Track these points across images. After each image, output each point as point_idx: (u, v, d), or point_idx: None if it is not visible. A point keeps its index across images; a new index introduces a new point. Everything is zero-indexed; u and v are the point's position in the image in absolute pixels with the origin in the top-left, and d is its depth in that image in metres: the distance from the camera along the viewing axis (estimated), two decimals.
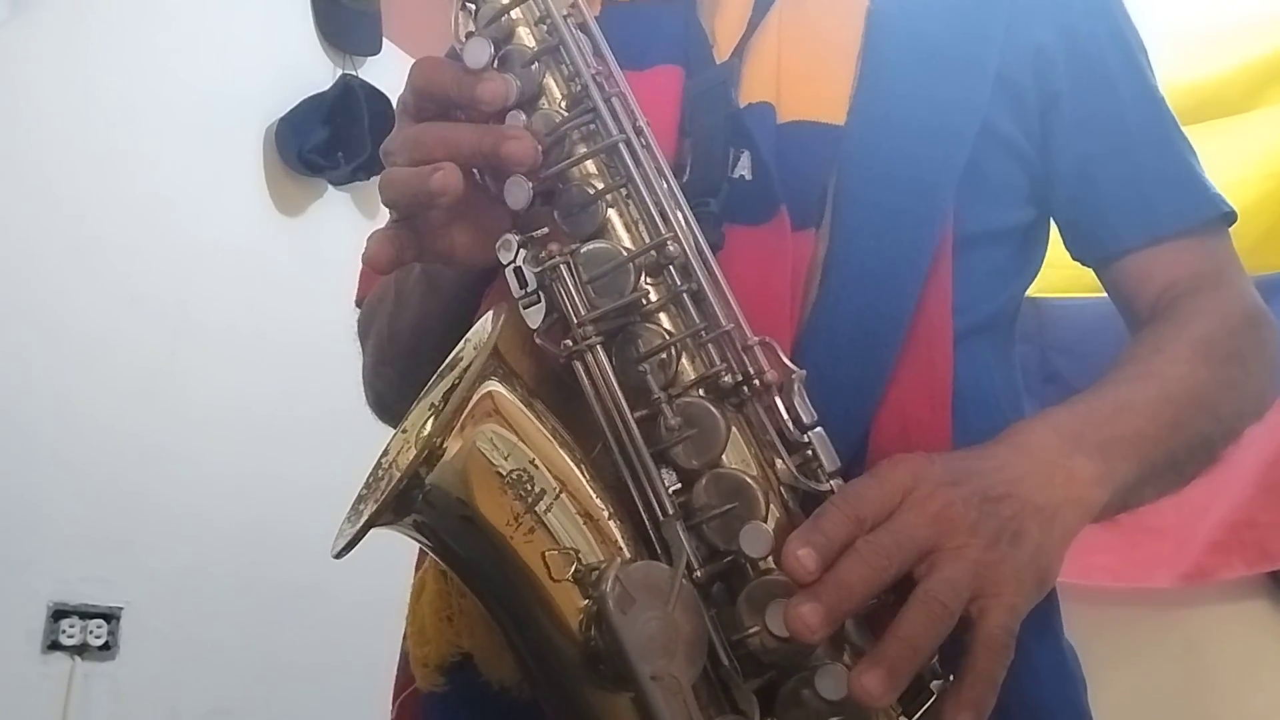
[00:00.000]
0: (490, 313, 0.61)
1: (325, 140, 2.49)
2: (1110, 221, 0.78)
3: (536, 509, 0.54)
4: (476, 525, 0.54)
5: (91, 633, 1.93)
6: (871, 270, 0.67)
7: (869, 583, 0.53)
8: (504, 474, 0.54)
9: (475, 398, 0.54)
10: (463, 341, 0.62)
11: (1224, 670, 1.90)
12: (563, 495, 0.55)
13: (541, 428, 0.57)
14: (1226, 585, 1.88)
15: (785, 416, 0.59)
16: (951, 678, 0.55)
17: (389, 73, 2.64)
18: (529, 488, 0.54)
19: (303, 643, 2.23)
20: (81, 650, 1.92)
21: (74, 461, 1.96)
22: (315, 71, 2.57)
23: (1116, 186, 0.78)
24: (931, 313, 0.67)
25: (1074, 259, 0.82)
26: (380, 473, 0.58)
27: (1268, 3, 1.96)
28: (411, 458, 0.52)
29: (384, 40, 2.71)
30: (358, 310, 0.89)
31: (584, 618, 0.53)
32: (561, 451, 0.56)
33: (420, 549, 0.72)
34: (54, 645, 1.89)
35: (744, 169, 0.69)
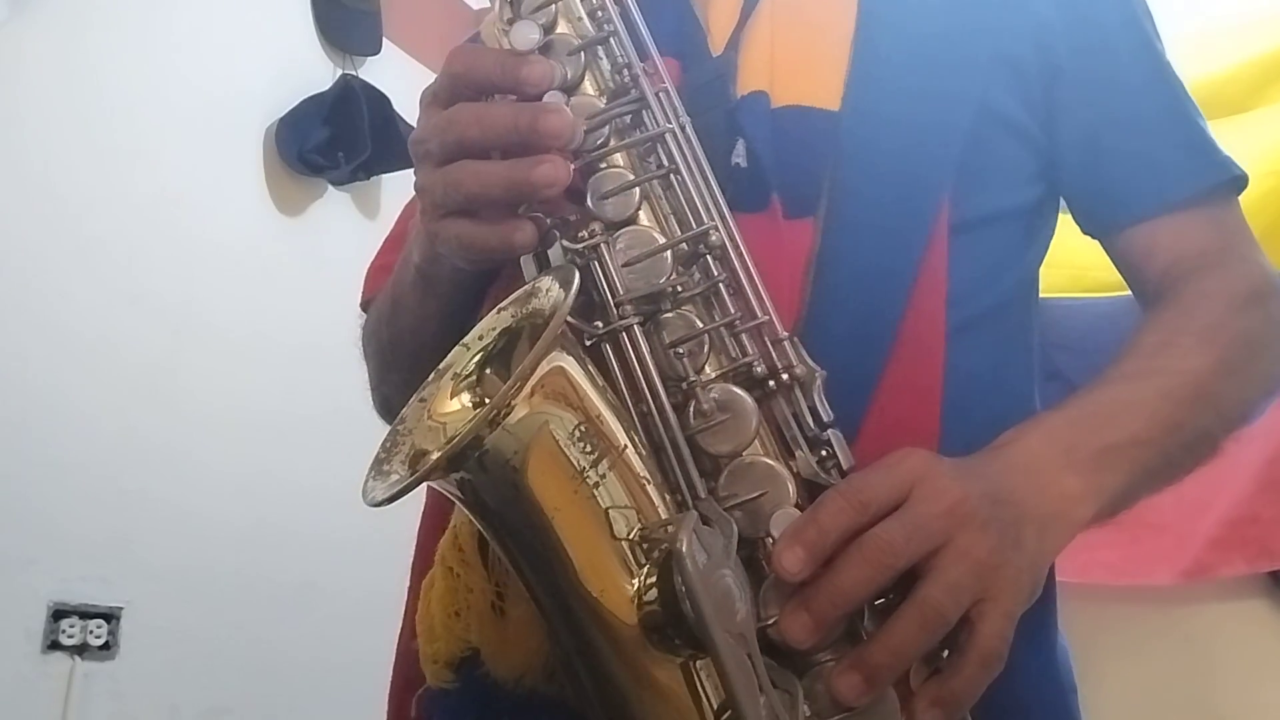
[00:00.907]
0: (536, 284, 0.60)
1: (325, 140, 2.49)
2: (1116, 191, 0.77)
3: (600, 466, 0.53)
4: (530, 484, 0.53)
5: (91, 633, 1.93)
6: (865, 265, 0.67)
7: (867, 584, 0.53)
8: (569, 431, 0.53)
9: (546, 363, 0.53)
10: (495, 310, 0.61)
11: (1224, 667, 1.90)
12: (624, 455, 0.55)
13: (600, 392, 0.56)
14: (1227, 583, 1.89)
15: (806, 413, 0.59)
16: (946, 653, 0.54)
17: (389, 73, 2.64)
18: (595, 443, 0.54)
19: (303, 641, 2.23)
20: (81, 650, 1.91)
21: (74, 461, 1.96)
22: (315, 71, 2.57)
23: (1121, 156, 0.77)
24: (922, 308, 0.67)
25: (1084, 232, 0.81)
26: (398, 439, 0.58)
27: (1268, 2, 1.96)
28: (477, 418, 0.51)
29: (384, 40, 2.70)
30: (362, 313, 0.88)
31: (643, 577, 0.52)
32: (618, 417, 0.56)
33: (417, 550, 0.72)
34: (54, 645, 1.89)
35: (740, 156, 0.69)
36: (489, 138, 0.61)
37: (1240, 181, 0.79)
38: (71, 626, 1.90)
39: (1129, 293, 0.81)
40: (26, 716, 1.86)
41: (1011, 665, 0.55)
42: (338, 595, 2.26)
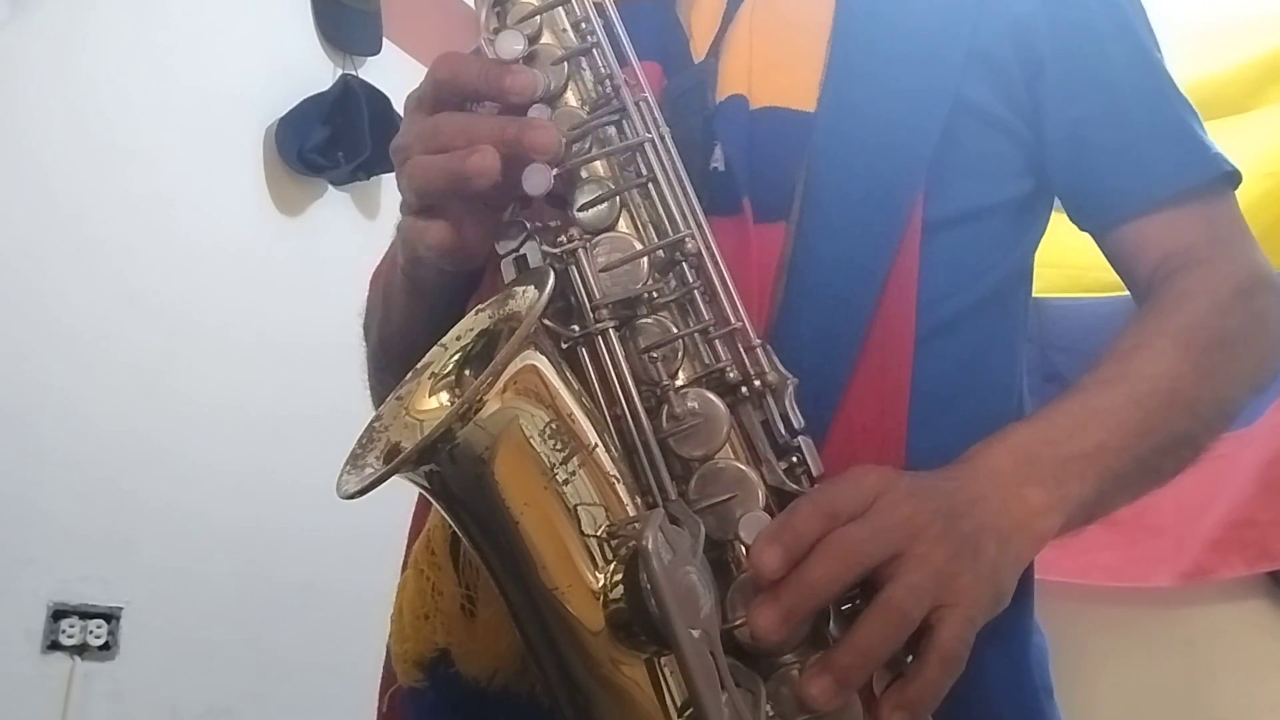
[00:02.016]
0: (513, 287, 0.61)
1: (325, 140, 2.49)
2: (1104, 189, 0.77)
3: (570, 464, 0.54)
4: (500, 479, 0.53)
5: (91, 633, 1.93)
6: (834, 268, 0.67)
7: (834, 581, 0.54)
8: (540, 428, 0.54)
9: (518, 361, 0.54)
10: (473, 312, 0.62)
11: (1224, 669, 1.90)
12: (594, 454, 0.56)
13: (572, 391, 0.57)
14: (1226, 584, 1.89)
15: (778, 420, 0.60)
16: (910, 658, 0.55)
17: (389, 73, 2.64)
18: (565, 440, 0.55)
19: (302, 641, 2.24)
20: (81, 650, 1.92)
21: (73, 461, 1.96)
22: (315, 71, 2.57)
23: (1109, 150, 0.76)
24: (892, 311, 0.67)
25: (1080, 229, 0.80)
26: (374, 435, 0.58)
27: (1267, 2, 1.96)
28: (449, 412, 0.52)
29: (384, 40, 2.70)
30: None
31: (609, 574, 0.53)
32: (589, 418, 0.57)
33: (406, 552, 0.72)
34: (54, 645, 1.89)
35: (717, 161, 0.70)
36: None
37: (1233, 177, 0.78)
38: (71, 626, 1.90)
39: (1128, 293, 0.81)
40: (26, 716, 1.86)
41: (979, 667, 0.56)
42: (336, 596, 2.26)
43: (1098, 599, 1.89)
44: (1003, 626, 0.62)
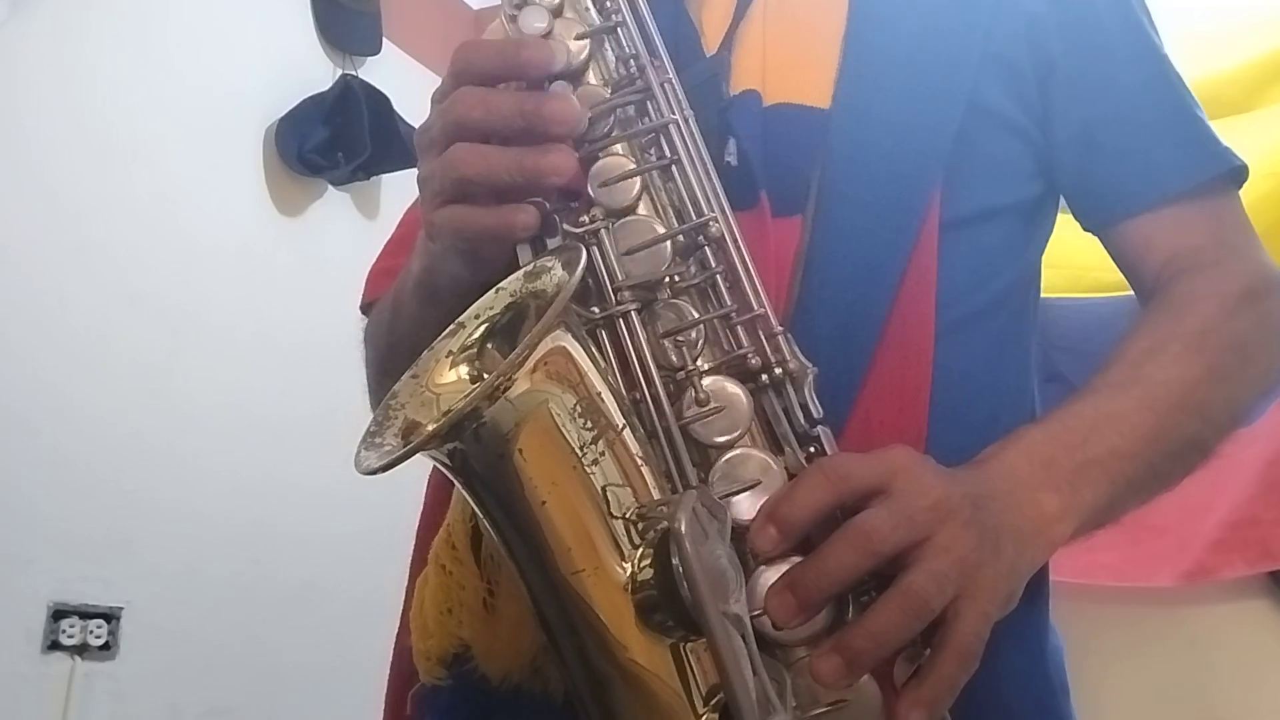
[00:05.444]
0: (540, 264, 0.60)
1: (325, 140, 2.49)
2: (1112, 184, 0.77)
3: (598, 444, 0.53)
4: (526, 459, 0.52)
5: (91, 633, 1.93)
6: (852, 262, 0.67)
7: (851, 569, 0.53)
8: (568, 408, 0.53)
9: (548, 340, 0.53)
10: (493, 291, 0.61)
11: (1226, 669, 1.90)
12: (621, 436, 0.55)
13: (600, 372, 0.56)
14: (1228, 584, 1.88)
15: (797, 409, 0.59)
16: (928, 650, 0.55)
17: (389, 73, 2.64)
18: (594, 420, 0.54)
19: (303, 642, 2.23)
20: (81, 650, 1.92)
21: (74, 461, 1.96)
22: (315, 71, 2.57)
23: (1117, 149, 0.76)
24: (910, 307, 0.67)
25: (1084, 229, 0.80)
26: (391, 413, 0.57)
27: (1268, 2, 1.96)
28: (477, 391, 0.51)
29: (384, 40, 2.71)
30: (362, 316, 0.88)
31: (638, 557, 0.52)
32: (615, 398, 0.56)
33: (416, 549, 0.72)
34: (54, 645, 1.89)
35: (731, 155, 0.69)
36: (493, 120, 0.61)
37: (1240, 173, 0.78)
38: (71, 626, 1.90)
39: (1130, 293, 0.81)
40: (26, 716, 1.86)
41: (997, 666, 0.56)
42: (337, 595, 2.26)
43: (1100, 598, 1.89)
44: (1021, 625, 0.62)
